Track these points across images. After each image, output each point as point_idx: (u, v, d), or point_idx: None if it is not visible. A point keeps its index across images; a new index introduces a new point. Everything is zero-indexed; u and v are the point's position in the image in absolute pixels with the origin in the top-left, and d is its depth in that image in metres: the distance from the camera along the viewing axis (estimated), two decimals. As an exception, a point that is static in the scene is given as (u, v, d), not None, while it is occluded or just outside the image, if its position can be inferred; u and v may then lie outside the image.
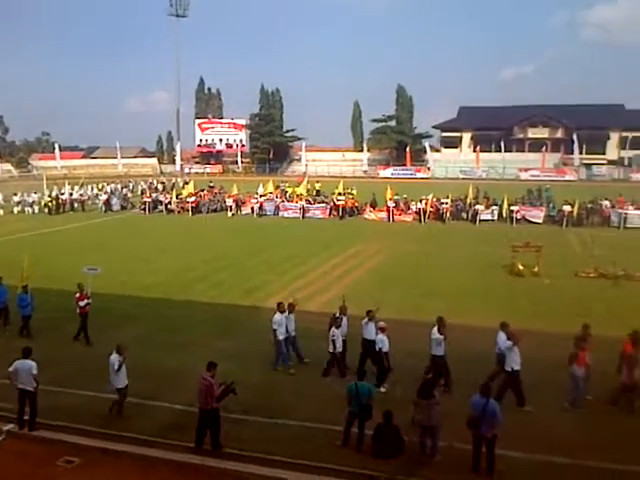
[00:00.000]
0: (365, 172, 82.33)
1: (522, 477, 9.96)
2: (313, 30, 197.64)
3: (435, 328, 13.29)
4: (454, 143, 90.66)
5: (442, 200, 40.26)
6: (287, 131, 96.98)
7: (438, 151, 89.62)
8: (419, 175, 78.08)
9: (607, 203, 38.40)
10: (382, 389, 13.05)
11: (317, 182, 53.04)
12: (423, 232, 35.54)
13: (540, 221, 37.74)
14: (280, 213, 42.97)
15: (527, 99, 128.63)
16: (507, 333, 12.77)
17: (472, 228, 36.83)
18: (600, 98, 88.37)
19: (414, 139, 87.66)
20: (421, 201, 39.94)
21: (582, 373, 12.26)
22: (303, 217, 41.61)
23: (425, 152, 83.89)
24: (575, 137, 76.54)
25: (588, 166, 76.42)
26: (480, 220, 37.96)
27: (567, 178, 71.43)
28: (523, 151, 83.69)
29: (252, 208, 43.51)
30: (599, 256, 26.02)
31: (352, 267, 25.81)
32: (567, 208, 36.83)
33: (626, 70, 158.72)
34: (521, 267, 23.71)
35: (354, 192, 47.07)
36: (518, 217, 37.62)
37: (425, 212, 39.28)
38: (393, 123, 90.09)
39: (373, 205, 42.24)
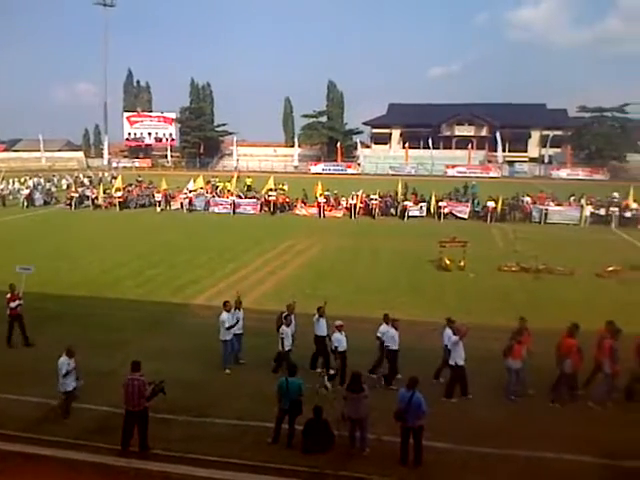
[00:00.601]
0: (296, 168, 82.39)
1: (449, 467, 10.23)
2: (244, 24, 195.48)
3: (384, 325, 13.61)
4: (384, 139, 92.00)
5: (371, 196, 40.82)
6: (218, 125, 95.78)
7: (368, 147, 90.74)
8: (350, 171, 78.85)
9: (528, 199, 39.91)
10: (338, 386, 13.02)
11: (248, 177, 52.72)
12: (354, 228, 35.93)
13: (466, 217, 38.88)
14: (210, 209, 42.41)
15: (454, 97, 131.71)
16: (453, 329, 13.11)
17: (401, 224, 37.52)
18: (523, 98, 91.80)
19: (345, 135, 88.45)
20: (353, 197, 40.40)
21: (518, 365, 12.74)
22: (234, 213, 41.26)
23: (356, 148, 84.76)
24: (499, 135, 79.19)
25: (511, 163, 79.33)
26: (409, 216, 38.71)
27: (491, 175, 73.81)
28: (450, 148, 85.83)
29: (182, 203, 42.79)
30: (521, 251, 27.11)
31: (284, 263, 25.84)
32: (491, 204, 38.06)
33: (547, 70, 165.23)
34: (448, 262, 24.35)
35: (285, 188, 47.08)
36: (445, 213, 38.60)
37: (356, 208, 39.76)
38: (324, 119, 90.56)
39: (304, 201, 42.39)
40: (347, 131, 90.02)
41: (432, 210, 38.99)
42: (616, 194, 41.77)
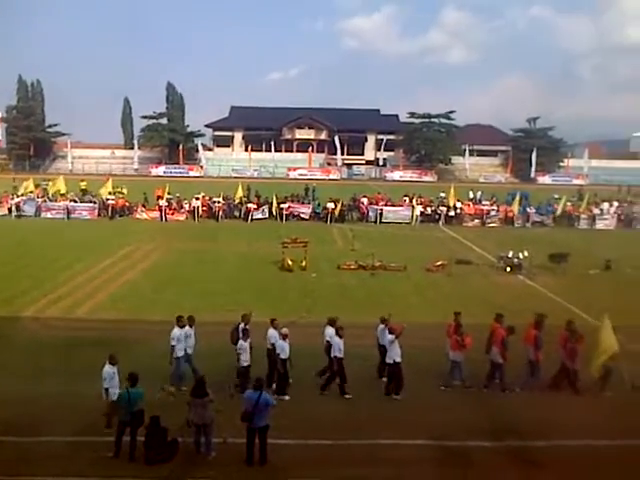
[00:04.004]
0: (136, 170, 79.51)
1: (292, 463, 10.44)
2: (79, 20, 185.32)
3: (328, 329, 13.59)
4: (226, 142, 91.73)
5: (214, 199, 40.58)
6: (50, 126, 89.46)
7: (211, 150, 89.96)
8: (192, 174, 77.59)
9: (365, 200, 41.84)
10: (286, 397, 12.85)
11: (82, 181, 49.98)
12: (197, 231, 35.49)
13: (307, 217, 39.92)
14: (42, 214, 39.68)
15: (294, 102, 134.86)
16: (389, 328, 13.33)
17: (245, 226, 37.66)
18: (359, 103, 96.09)
19: (187, 137, 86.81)
20: (197, 199, 39.88)
21: (460, 357, 13.52)
22: (68, 218, 38.96)
23: (197, 151, 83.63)
24: (337, 139, 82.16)
25: (349, 166, 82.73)
26: (252, 218, 38.96)
27: (331, 177, 76.42)
28: (292, 151, 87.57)
29: (9, 209, 39.57)
30: (359, 249, 28.43)
31: (124, 269, 24.87)
32: (331, 205, 39.44)
33: (380, 78, 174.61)
34: (290, 262, 24.86)
35: (125, 191, 45.30)
36: (287, 214, 39.33)
37: (199, 211, 39.27)
38: (164, 121, 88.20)
39: (145, 204, 41.09)
40: (189, 133, 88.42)
41: (274, 212, 39.55)
42: (442, 194, 45.11)
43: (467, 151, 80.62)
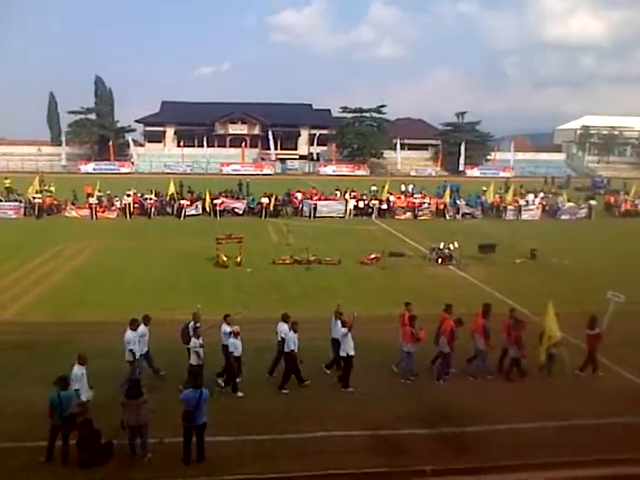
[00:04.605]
0: (64, 167, 76.93)
1: (229, 459, 10.45)
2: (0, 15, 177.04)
3: (282, 325, 13.57)
4: (158, 138, 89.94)
5: (146, 196, 39.81)
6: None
7: (142, 145, 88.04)
8: (123, 170, 75.68)
9: (299, 195, 42.00)
10: (239, 394, 12.84)
11: (6, 179, 47.98)
12: (129, 229, 34.74)
13: (241, 213, 39.72)
14: (-38, 215, 37.93)
15: (227, 96, 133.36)
16: (342, 321, 13.44)
17: (178, 223, 37.13)
18: (291, 98, 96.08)
19: (117, 133, 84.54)
20: (128, 196, 39.02)
21: (413, 348, 13.69)
22: (-9, 218, 37.38)
23: (128, 146, 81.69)
24: (270, 134, 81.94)
25: (283, 160, 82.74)
26: (186, 215, 38.46)
27: (265, 172, 76.18)
28: (225, 146, 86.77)
29: None
30: (293, 244, 28.55)
31: (53, 269, 24.10)
32: (265, 200, 39.38)
33: (311, 72, 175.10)
34: (225, 258, 24.73)
35: (53, 189, 43.89)
36: (221, 210, 39.05)
37: (130, 208, 38.44)
38: (93, 116, 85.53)
39: (74, 202, 39.87)
40: (119, 129, 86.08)
41: (208, 208, 39.17)
42: (374, 187, 45.78)
43: (398, 145, 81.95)
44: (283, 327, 13.62)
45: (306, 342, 13.93)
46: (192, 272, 23.84)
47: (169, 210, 39.88)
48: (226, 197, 41.36)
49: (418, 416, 12.01)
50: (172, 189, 41.79)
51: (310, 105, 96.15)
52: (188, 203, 39.46)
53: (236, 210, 39.87)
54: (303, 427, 11.44)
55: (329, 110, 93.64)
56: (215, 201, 39.23)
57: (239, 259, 24.84)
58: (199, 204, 39.68)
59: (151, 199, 39.38)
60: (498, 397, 13.03)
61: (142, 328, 13.25)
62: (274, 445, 10.88)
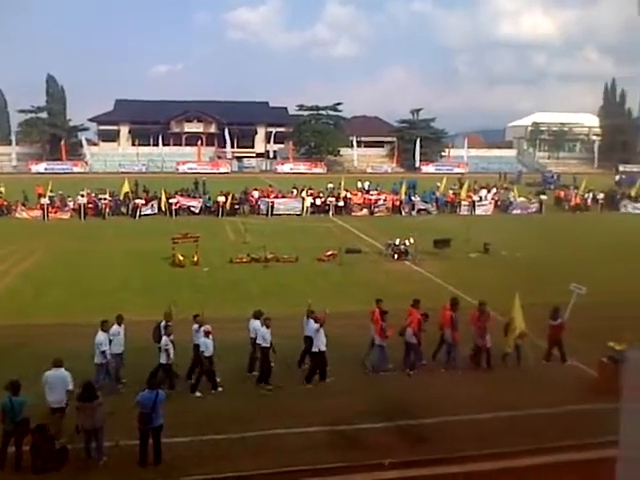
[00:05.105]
0: (15, 167, 74.84)
1: (186, 460, 10.41)
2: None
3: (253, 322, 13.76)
4: (112, 136, 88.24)
5: (100, 195, 39.15)
6: None
7: (96, 145, 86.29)
8: (76, 170, 73.96)
9: (256, 193, 41.87)
10: (220, 388, 12.99)
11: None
12: (82, 229, 34.12)
13: (198, 212, 39.41)
14: None
15: (182, 95, 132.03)
16: (314, 318, 13.54)
17: (133, 223, 36.63)
18: (247, 96, 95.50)
19: (69, 132, 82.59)
20: (82, 196, 38.29)
21: (384, 342, 13.95)
22: (-64, 221, 36.20)
23: (82, 146, 79.96)
24: (227, 132, 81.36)
25: (239, 159, 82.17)
26: (141, 214, 37.94)
27: (221, 170, 75.53)
28: (180, 145, 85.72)
29: None
30: (251, 242, 28.51)
31: (3, 272, 23.52)
32: (222, 199, 39.15)
33: (267, 70, 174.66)
34: (181, 258, 24.54)
35: (2, 190, 42.77)
36: (177, 209, 38.65)
37: (84, 208, 37.71)
38: (45, 115, 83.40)
39: (24, 203, 38.92)
40: (71, 128, 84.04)
41: (164, 207, 38.72)
42: (331, 185, 46.02)
43: (355, 142, 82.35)
44: (255, 324, 13.74)
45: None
46: (148, 272, 23.59)
47: (124, 210, 39.29)
48: (182, 196, 40.97)
49: (377, 410, 12.15)
50: (127, 188, 41.18)
51: (267, 103, 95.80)
52: (143, 202, 38.96)
53: (192, 209, 39.57)
54: (262, 425, 11.44)
55: (286, 108, 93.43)
56: (171, 200, 38.81)
57: (196, 258, 24.67)
58: (154, 203, 39.21)
59: (105, 199, 38.72)
60: (458, 388, 13.30)
61: (115, 327, 13.21)
62: (232, 444, 10.88)
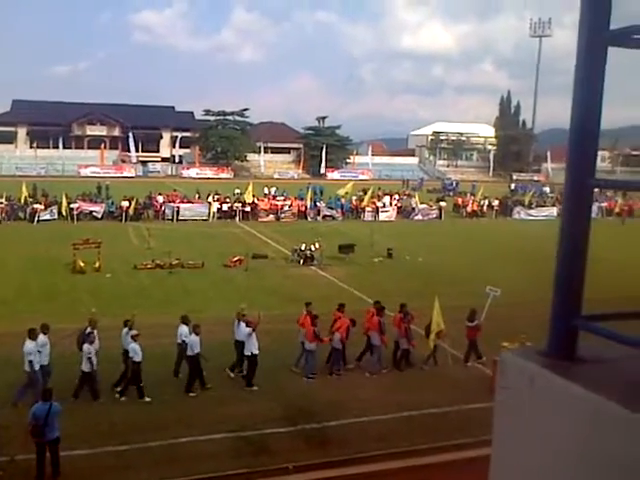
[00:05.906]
0: None
1: (87, 473, 10.26)
2: None
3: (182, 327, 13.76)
4: (8, 138, 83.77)
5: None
6: None
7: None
8: (-31, 173, 69.87)
9: (161, 198, 41.19)
10: (146, 399, 12.61)
11: None
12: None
13: (100, 216, 38.29)
14: None
15: (85, 96, 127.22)
16: (245, 322, 13.46)
17: (31, 228, 35.03)
18: (153, 99, 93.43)
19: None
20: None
21: (314, 347, 14.14)
22: None
23: (-25, 148, 75.60)
24: (131, 135, 79.35)
25: (144, 163, 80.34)
26: (39, 219, 36.40)
27: (125, 174, 73.58)
28: (83, 148, 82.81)
29: None
30: (155, 248, 28.08)
31: None
32: (125, 204, 38.25)
33: (173, 74, 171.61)
34: (82, 264, 23.81)
35: None
36: (78, 214, 37.42)
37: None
38: None
39: None
40: (-37, 128, 79.33)
41: (64, 212, 37.37)
42: (238, 190, 46.01)
43: (262, 148, 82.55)
44: (183, 330, 13.70)
45: (168, 347, 13.94)
46: (46, 279, 22.77)
47: (21, 215, 37.56)
48: (84, 200, 39.66)
49: (283, 415, 12.36)
50: (24, 192, 39.44)
51: (173, 107, 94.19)
52: (42, 207, 37.39)
53: (94, 214, 38.36)
54: (167, 434, 11.40)
55: (192, 113, 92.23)
56: (72, 205, 37.50)
57: (98, 264, 24.03)
58: (54, 208, 37.72)
59: (1, 203, 36.91)
60: (364, 391, 13.77)
61: (42, 338, 12.72)
62: (136, 454, 10.79)
